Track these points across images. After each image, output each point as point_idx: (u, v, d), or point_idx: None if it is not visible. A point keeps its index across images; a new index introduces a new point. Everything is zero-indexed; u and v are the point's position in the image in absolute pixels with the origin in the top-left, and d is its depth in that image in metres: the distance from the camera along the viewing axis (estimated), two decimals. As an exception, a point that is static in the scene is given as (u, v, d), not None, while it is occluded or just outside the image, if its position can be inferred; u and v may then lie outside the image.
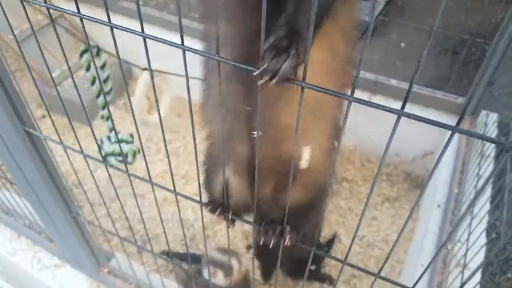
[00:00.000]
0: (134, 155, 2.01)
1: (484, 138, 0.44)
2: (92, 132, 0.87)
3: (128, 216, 2.08)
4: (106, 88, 1.95)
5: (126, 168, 0.85)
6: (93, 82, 1.88)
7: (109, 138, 1.99)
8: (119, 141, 1.98)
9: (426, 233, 1.65)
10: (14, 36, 0.78)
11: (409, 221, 2.03)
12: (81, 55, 1.85)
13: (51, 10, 0.67)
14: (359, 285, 1.89)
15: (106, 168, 0.89)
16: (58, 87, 2.44)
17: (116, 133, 0.96)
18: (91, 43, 2.58)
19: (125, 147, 2.00)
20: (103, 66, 1.92)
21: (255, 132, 0.75)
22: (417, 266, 1.54)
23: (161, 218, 0.99)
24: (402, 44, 2.69)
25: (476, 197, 1.53)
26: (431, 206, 1.75)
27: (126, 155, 1.97)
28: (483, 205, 1.50)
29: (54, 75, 2.34)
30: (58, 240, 1.34)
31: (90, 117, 2.37)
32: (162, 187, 0.86)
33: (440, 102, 2.10)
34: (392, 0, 2.82)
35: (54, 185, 1.06)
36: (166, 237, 1.02)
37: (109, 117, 1.88)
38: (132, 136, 2.06)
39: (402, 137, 2.22)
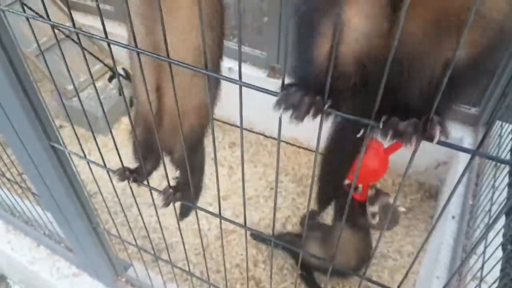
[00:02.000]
0: None
1: (502, 161, 0.46)
2: (113, 138, 0.89)
3: (142, 225, 2.11)
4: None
5: (148, 182, 0.88)
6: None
7: None
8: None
9: (441, 244, 1.64)
10: (40, 49, 0.82)
11: (423, 232, 2.00)
12: (110, 79, 1.97)
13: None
14: (373, 296, 1.88)
15: (129, 182, 0.91)
16: (74, 99, 2.49)
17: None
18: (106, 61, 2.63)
19: None
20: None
21: None
22: (432, 278, 1.53)
23: (179, 226, 1.01)
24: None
25: (491, 224, 1.52)
26: (446, 218, 1.74)
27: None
28: (499, 218, 1.49)
29: (70, 87, 2.40)
30: (78, 250, 1.37)
31: (106, 127, 2.42)
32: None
33: (453, 113, 2.09)
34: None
35: (77, 197, 1.09)
36: (183, 245, 1.04)
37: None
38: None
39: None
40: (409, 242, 2.04)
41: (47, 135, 0.95)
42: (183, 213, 1.43)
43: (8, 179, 1.38)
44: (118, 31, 1.11)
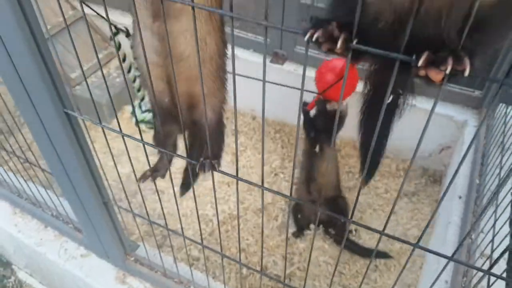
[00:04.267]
0: None
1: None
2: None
3: (148, 211, 2.10)
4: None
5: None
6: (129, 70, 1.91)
7: (140, 106, 2.04)
8: (148, 110, 2.03)
9: (449, 224, 1.64)
10: (67, 26, 0.82)
11: (428, 216, 2.01)
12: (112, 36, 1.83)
13: (74, 11, 0.71)
14: (379, 279, 1.88)
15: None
16: (78, 87, 2.48)
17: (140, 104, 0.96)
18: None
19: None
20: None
21: None
22: (440, 258, 1.53)
23: (195, 203, 1.01)
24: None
25: (497, 189, 1.53)
26: (452, 198, 1.75)
27: (154, 123, 1.99)
28: (506, 195, 1.50)
29: (74, 75, 2.39)
30: (87, 229, 1.36)
31: (110, 115, 2.41)
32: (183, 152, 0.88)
33: (456, 96, 2.11)
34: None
35: (89, 169, 1.08)
36: (199, 223, 1.04)
37: (140, 89, 1.98)
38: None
39: (420, 131, 2.22)
40: (414, 225, 2.04)
41: (61, 101, 0.94)
42: (187, 185, 1.56)
43: (17, 156, 1.37)
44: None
